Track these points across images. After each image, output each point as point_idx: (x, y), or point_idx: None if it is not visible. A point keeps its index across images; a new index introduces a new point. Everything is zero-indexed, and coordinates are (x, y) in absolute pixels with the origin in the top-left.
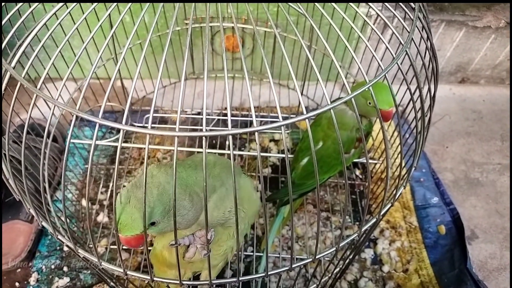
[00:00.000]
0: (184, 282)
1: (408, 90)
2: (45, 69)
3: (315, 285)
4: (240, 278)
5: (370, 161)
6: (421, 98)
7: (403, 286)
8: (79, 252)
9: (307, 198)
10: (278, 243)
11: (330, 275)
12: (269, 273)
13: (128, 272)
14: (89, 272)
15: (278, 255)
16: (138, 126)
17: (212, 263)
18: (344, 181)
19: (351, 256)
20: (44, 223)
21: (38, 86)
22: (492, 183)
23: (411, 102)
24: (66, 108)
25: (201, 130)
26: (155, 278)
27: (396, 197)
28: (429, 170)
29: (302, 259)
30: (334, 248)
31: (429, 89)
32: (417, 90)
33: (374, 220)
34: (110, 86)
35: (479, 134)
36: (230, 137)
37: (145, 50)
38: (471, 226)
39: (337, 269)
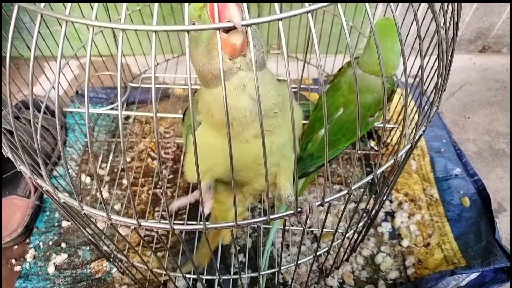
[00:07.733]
0: (208, 226)
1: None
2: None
3: (325, 250)
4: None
5: (388, 125)
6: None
7: (424, 261)
8: (58, 197)
9: (318, 171)
10: (288, 218)
11: (343, 238)
12: (271, 217)
13: (112, 217)
14: (88, 248)
15: (288, 228)
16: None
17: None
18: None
19: (368, 218)
20: (22, 167)
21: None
22: None
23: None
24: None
25: None
26: (142, 223)
27: (416, 138)
28: (450, 140)
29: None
30: (346, 191)
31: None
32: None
33: (392, 161)
34: None
35: (503, 104)
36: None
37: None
38: (498, 198)
39: (351, 232)
